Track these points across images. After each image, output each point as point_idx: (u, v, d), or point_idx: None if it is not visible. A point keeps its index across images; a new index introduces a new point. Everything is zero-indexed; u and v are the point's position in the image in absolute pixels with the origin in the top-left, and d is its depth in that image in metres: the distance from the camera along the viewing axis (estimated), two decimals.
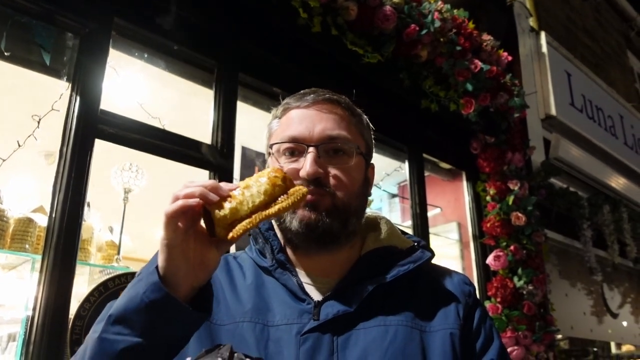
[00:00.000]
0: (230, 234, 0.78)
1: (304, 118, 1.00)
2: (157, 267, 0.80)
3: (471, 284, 1.07)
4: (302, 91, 1.06)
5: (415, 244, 1.05)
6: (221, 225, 0.79)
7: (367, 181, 1.06)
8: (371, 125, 1.11)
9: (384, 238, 1.04)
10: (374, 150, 1.11)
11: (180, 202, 0.78)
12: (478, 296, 3.81)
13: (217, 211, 0.79)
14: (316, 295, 0.96)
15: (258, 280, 1.00)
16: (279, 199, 0.82)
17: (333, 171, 0.97)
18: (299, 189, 0.84)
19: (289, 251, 1.02)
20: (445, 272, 1.08)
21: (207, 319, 0.85)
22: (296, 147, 0.98)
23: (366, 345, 0.90)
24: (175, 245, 0.78)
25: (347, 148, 0.99)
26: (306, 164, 0.95)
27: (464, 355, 0.95)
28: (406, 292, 0.99)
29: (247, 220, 0.79)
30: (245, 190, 0.81)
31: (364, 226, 1.07)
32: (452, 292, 1.01)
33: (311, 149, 0.96)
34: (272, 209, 0.80)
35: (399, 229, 1.10)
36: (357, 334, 0.91)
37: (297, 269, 1.00)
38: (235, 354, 0.71)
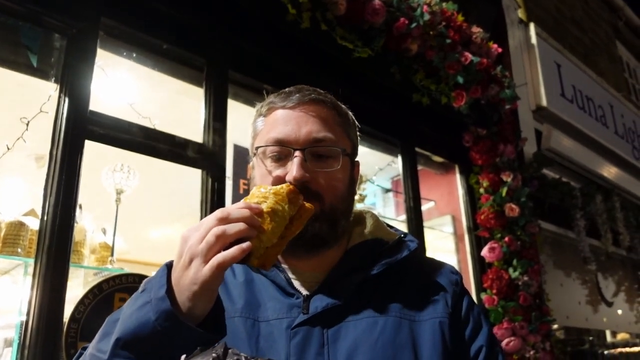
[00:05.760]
0: (265, 264, 0.81)
1: (289, 119, 0.98)
2: (166, 292, 0.76)
3: (458, 273, 1.07)
4: (287, 89, 1.04)
5: (401, 235, 1.06)
6: (256, 255, 0.79)
7: (353, 181, 1.05)
8: (357, 122, 1.10)
9: (370, 231, 1.04)
10: (366, 145, 1.10)
11: (235, 253, 0.74)
12: (473, 288, 3.77)
13: (254, 242, 0.78)
14: (304, 290, 0.97)
15: (247, 277, 1.00)
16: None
17: (320, 175, 0.95)
18: (310, 208, 0.88)
19: None
20: (432, 263, 1.09)
21: (221, 338, 0.80)
22: (282, 151, 0.96)
23: (356, 337, 0.90)
24: (214, 289, 0.77)
25: (334, 151, 0.98)
26: (293, 169, 0.93)
27: (454, 343, 0.95)
28: (394, 283, 0.99)
29: (277, 249, 0.83)
30: (274, 218, 0.82)
31: (350, 222, 1.07)
32: (440, 282, 1.02)
33: (297, 152, 0.94)
34: (292, 231, 0.85)
35: (385, 222, 1.10)
36: (346, 326, 0.91)
37: (283, 265, 1.00)
38: (230, 350, 0.71)
